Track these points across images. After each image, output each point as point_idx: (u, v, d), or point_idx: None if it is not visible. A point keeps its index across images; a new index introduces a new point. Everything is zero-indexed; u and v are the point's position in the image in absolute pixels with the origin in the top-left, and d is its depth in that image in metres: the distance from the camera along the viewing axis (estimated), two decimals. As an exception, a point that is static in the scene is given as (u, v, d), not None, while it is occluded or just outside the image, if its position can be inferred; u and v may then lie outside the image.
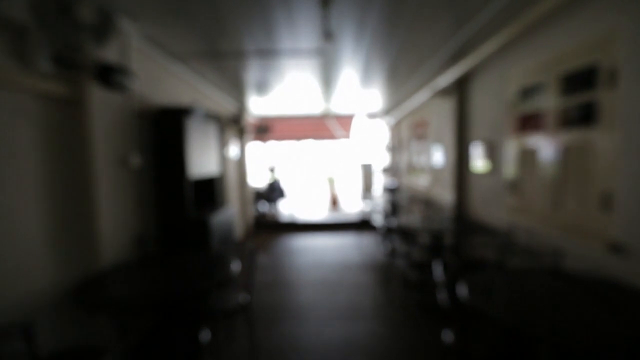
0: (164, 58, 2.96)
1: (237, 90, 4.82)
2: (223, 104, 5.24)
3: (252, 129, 6.34)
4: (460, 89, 3.63)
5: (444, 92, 3.83)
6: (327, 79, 4.15)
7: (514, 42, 2.55)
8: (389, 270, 4.03)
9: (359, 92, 5.10)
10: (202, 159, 3.19)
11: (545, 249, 2.26)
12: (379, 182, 8.39)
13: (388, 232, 4.44)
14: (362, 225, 6.76)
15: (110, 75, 2.06)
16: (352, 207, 8.71)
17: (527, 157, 2.51)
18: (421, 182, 5.26)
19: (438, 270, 1.97)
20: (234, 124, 5.67)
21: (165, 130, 2.78)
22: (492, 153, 3.02)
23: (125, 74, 2.18)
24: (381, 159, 8.23)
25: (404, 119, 6.38)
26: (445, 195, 4.01)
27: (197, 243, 2.89)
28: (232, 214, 3.74)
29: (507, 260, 2.53)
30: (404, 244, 3.99)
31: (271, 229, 6.73)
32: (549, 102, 2.23)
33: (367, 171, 8.68)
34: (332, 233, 6.35)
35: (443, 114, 4.08)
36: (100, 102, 2.08)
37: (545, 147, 2.28)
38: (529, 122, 2.48)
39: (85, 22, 1.72)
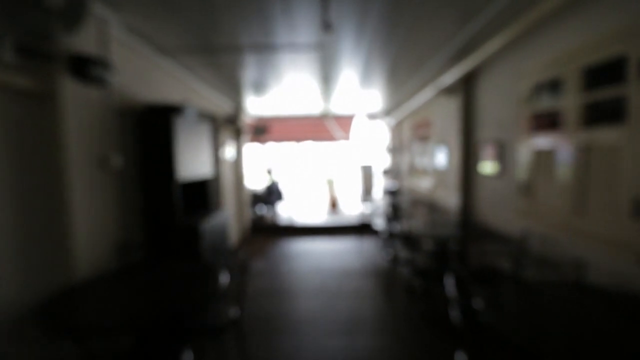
0: (152, 52, 2.78)
1: (234, 89, 4.64)
2: (218, 104, 5.06)
3: (249, 129, 6.17)
4: (466, 87, 3.44)
5: (449, 90, 3.64)
6: (326, 76, 3.97)
7: (527, 35, 2.37)
8: (391, 278, 3.84)
9: (358, 91, 4.93)
10: (194, 160, 3.01)
11: (564, 259, 2.06)
12: (380, 185, 8.20)
13: (390, 237, 4.25)
14: (362, 228, 6.56)
15: (85, 68, 1.87)
16: (352, 209, 8.52)
17: (542, 158, 2.32)
18: (424, 184, 5.07)
19: (449, 284, 1.77)
20: (230, 125, 5.48)
21: (152, 129, 2.59)
22: (502, 154, 2.83)
23: (104, 67, 2.00)
24: (381, 161, 8.04)
25: (405, 120, 6.19)
26: (450, 198, 3.82)
27: (186, 251, 2.70)
28: (225, 219, 3.55)
29: (521, 271, 2.34)
30: (406, 250, 3.80)
31: (269, 232, 6.53)
32: (568, 98, 2.04)
33: (367, 173, 8.50)
34: (331, 237, 6.15)
35: (447, 114, 3.90)
36: (75, 97, 1.89)
37: (563, 147, 2.09)
38: (544, 121, 2.29)
39: (51, 6, 1.53)
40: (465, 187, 3.51)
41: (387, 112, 6.85)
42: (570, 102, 2.02)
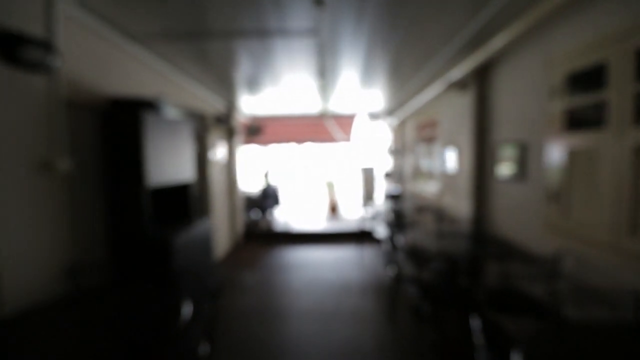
0: (119, 38, 2.41)
1: (225, 86, 4.28)
2: (209, 102, 4.69)
3: (243, 129, 5.80)
4: (479, 81, 3.06)
5: (459, 85, 3.26)
6: (323, 71, 3.61)
7: (556, 15, 1.98)
8: (395, 296, 3.44)
9: (358, 90, 4.56)
10: (171, 163, 2.63)
11: (614, 289, 1.66)
12: (381, 188, 7.81)
13: (393, 249, 3.86)
14: (363, 236, 6.16)
15: (17, 49, 1.51)
16: (353, 214, 8.13)
17: (579, 161, 1.93)
18: (429, 189, 4.68)
19: (475, 324, 1.38)
20: (222, 124, 5.11)
21: (117, 127, 2.22)
22: (524, 156, 2.44)
23: (46, 50, 1.63)
24: (383, 163, 7.66)
25: (408, 120, 5.81)
26: (461, 206, 3.43)
27: (156, 270, 2.32)
28: (209, 228, 3.16)
29: (558, 302, 1.94)
30: (411, 265, 3.41)
31: (263, 239, 6.14)
32: (616, 88, 1.65)
33: (369, 175, 8.11)
34: (330, 245, 5.75)
35: (457, 112, 3.52)
36: (2, 85, 1.52)
37: (609, 148, 1.70)
38: (581, 117, 1.91)
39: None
40: (478, 194, 3.12)
41: (390, 111, 6.48)
42: (618, 92, 1.64)
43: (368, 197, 7.94)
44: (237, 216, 5.76)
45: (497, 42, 2.38)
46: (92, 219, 2.15)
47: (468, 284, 2.56)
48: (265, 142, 8.31)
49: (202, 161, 4.63)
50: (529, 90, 2.40)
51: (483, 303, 1.95)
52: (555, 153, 2.11)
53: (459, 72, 3.07)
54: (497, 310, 1.88)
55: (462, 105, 3.34)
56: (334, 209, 8.14)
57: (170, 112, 2.60)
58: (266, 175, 7.10)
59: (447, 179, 3.92)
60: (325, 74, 3.74)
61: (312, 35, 2.56)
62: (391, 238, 4.19)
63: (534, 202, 2.33)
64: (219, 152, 5.09)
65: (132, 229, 2.26)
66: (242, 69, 3.57)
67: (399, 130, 6.42)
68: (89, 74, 2.14)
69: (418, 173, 5.33)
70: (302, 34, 2.52)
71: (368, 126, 8.82)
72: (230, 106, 5.48)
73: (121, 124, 2.21)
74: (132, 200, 2.25)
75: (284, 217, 7.44)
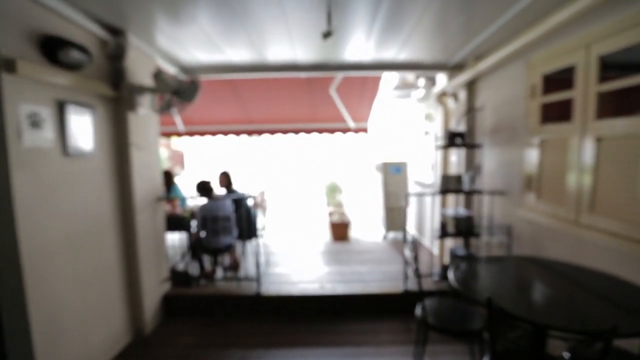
0: None
1: None
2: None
3: (159, 92, 2.74)
4: None
5: None
6: None
7: None
8: None
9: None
10: None
11: None
12: (419, 204, 4.89)
13: None
14: (410, 301, 3.20)
15: None
16: (374, 237, 5.18)
17: None
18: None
19: None
20: (83, 64, 2.15)
21: None
22: None
23: None
24: (423, 164, 4.72)
25: (494, 77, 2.88)
26: None
27: None
28: None
29: None
30: None
31: (205, 316, 3.18)
32: None
33: (397, 180, 5.17)
34: (345, 337, 2.81)
35: None
36: None
37: None
38: None
39: None
40: None
41: (452, 67, 3.49)
42: None
43: (394, 219, 4.96)
44: (141, 272, 2.79)
45: None
46: None
47: None
48: (228, 132, 5.29)
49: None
50: None
51: None
52: None
53: None
54: None
55: None
56: (341, 232, 5.19)
57: None
58: (228, 181, 4.12)
59: None
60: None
61: None
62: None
63: None
64: (75, 130, 2.13)
65: None
66: None
67: (465, 102, 3.47)
68: None
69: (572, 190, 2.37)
70: None
71: (398, 101, 5.81)
72: (125, 39, 2.48)
73: None
74: None
75: (255, 255, 4.48)
